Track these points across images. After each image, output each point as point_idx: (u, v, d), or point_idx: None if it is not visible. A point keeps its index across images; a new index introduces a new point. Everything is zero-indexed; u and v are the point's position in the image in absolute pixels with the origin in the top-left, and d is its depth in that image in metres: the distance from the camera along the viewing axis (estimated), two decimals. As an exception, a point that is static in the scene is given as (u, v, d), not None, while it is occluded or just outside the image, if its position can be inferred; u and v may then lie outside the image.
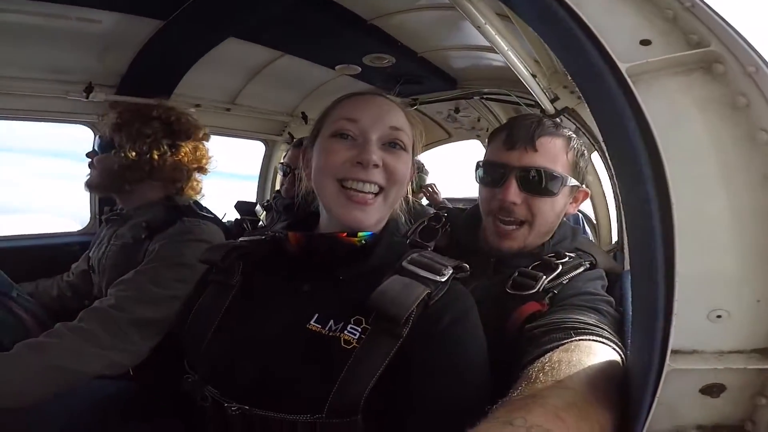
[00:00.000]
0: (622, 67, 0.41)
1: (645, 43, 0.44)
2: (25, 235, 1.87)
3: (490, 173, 1.00)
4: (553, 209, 0.97)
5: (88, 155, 1.34)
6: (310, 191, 0.84)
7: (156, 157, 1.30)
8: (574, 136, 1.01)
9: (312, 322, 0.70)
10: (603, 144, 1.41)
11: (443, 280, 0.72)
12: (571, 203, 1.02)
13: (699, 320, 0.42)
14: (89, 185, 1.35)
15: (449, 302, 0.71)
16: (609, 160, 1.25)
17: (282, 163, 2.25)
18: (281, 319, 0.73)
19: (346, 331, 0.68)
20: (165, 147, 1.32)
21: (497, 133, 1.03)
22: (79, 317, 1.08)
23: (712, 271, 0.41)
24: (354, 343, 0.66)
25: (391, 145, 0.77)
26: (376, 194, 0.76)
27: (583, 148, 1.01)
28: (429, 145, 3.43)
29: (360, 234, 0.75)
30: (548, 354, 0.65)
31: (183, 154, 1.37)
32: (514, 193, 0.94)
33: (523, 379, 0.59)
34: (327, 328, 0.69)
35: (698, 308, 0.42)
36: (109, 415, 1.06)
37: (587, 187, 1.05)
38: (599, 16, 0.44)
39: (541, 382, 0.55)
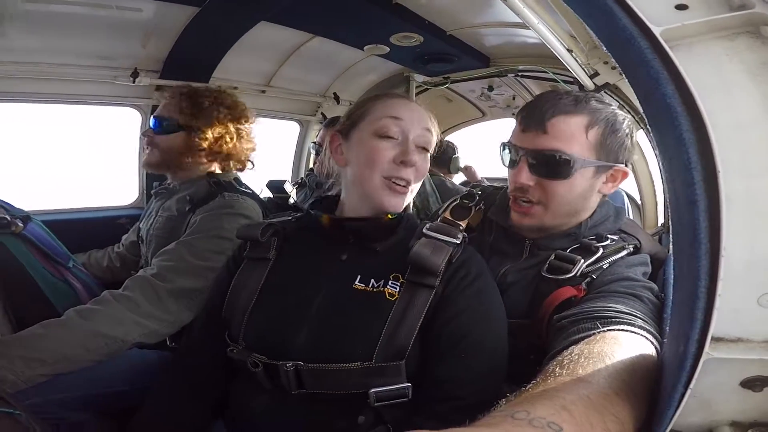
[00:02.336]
0: (656, 30, 0.39)
1: (681, 7, 0.41)
2: (78, 208, 2.00)
3: (508, 154, 0.98)
4: (570, 191, 0.91)
5: (145, 134, 1.41)
6: (332, 174, 0.95)
7: (228, 140, 1.42)
8: (603, 110, 0.92)
9: (356, 282, 0.82)
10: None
11: (458, 242, 0.85)
12: (605, 183, 0.95)
13: (748, 305, 0.39)
14: (150, 163, 1.42)
15: (468, 259, 0.84)
16: (649, 132, 1.15)
17: (314, 143, 2.28)
18: (325, 284, 0.83)
19: (389, 286, 0.80)
20: (233, 130, 1.44)
21: (520, 112, 0.99)
22: (124, 285, 1.15)
23: (765, 251, 0.37)
24: (397, 296, 0.79)
25: (423, 147, 0.89)
26: (406, 186, 0.88)
27: (619, 122, 0.93)
28: (462, 124, 3.35)
29: (389, 215, 0.89)
30: (571, 347, 0.64)
31: (244, 135, 1.48)
32: (525, 176, 0.92)
33: (541, 374, 0.58)
34: (370, 286, 0.81)
35: (748, 292, 0.38)
36: (146, 382, 1.11)
37: (628, 164, 0.96)
38: (627, -19, 0.41)
39: (555, 376, 0.54)
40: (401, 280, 0.80)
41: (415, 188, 0.90)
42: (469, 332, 0.76)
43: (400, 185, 0.86)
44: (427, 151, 0.90)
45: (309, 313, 0.80)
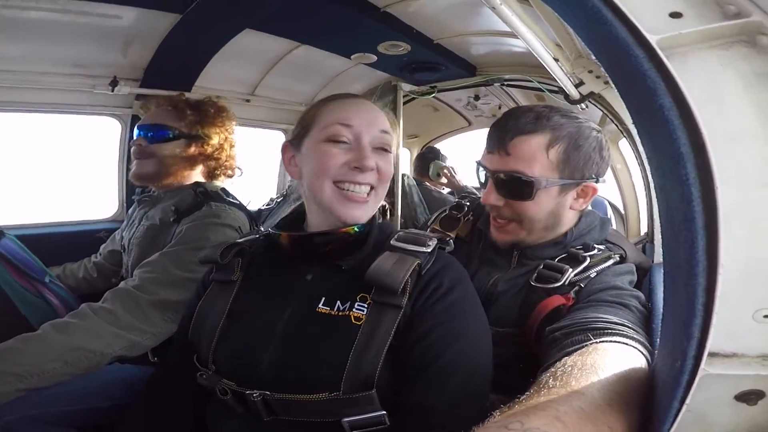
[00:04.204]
0: (652, 39, 0.38)
1: (675, 15, 0.40)
2: (55, 222, 1.94)
3: (481, 174, 0.99)
4: (540, 209, 0.92)
5: (136, 144, 1.36)
6: (294, 189, 0.88)
7: (228, 148, 1.46)
8: (566, 126, 0.91)
9: (320, 306, 0.75)
10: (632, 127, 1.33)
11: (429, 250, 0.77)
12: (575, 199, 0.95)
13: (743, 320, 0.38)
14: (140, 175, 1.38)
15: (442, 269, 0.76)
16: (640, 144, 1.16)
17: None
18: (290, 308, 0.77)
19: (354, 309, 0.73)
20: (231, 139, 1.48)
21: (489, 131, 0.99)
22: (103, 298, 1.11)
23: (762, 266, 0.37)
24: (364, 319, 0.72)
25: (381, 148, 0.82)
26: (369, 193, 0.82)
27: (583, 137, 0.92)
28: (448, 134, 3.37)
29: (354, 228, 0.81)
30: (564, 358, 0.64)
31: (234, 144, 1.51)
32: (494, 197, 0.93)
33: (534, 385, 0.57)
34: (335, 309, 0.74)
35: (743, 307, 0.38)
36: (126, 398, 1.10)
37: (600, 179, 0.96)
38: (620, -11, 0.40)
39: (549, 387, 0.53)
40: (368, 300, 0.73)
41: (381, 193, 0.84)
42: (442, 352, 0.69)
43: (356, 193, 0.79)
44: (387, 151, 0.84)
45: (272, 338, 0.75)
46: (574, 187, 0.94)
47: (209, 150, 1.40)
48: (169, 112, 1.39)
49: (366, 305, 0.73)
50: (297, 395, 0.69)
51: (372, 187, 0.81)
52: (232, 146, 1.49)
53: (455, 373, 0.68)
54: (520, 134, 0.90)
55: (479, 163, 0.98)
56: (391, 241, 0.79)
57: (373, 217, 0.85)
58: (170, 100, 1.43)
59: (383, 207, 0.91)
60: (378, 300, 0.72)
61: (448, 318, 0.72)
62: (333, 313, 0.74)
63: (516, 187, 0.90)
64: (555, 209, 0.94)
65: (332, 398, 0.67)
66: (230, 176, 1.51)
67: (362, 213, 0.81)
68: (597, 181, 0.95)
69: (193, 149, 1.39)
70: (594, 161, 0.93)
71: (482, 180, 0.99)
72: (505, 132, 0.90)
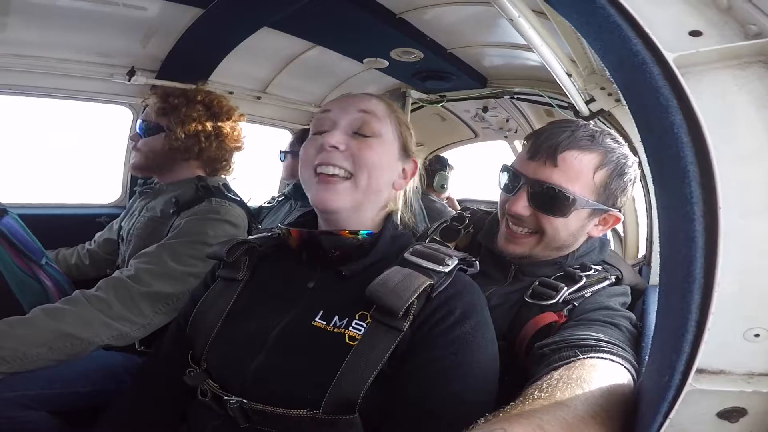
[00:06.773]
0: (669, 56, 0.38)
1: (695, 34, 0.40)
2: (57, 204, 1.97)
3: (508, 179, 0.95)
4: (566, 228, 0.91)
5: (132, 138, 1.40)
6: None
7: (203, 138, 1.38)
8: (616, 151, 0.90)
9: (317, 319, 0.72)
10: (639, 146, 1.34)
11: (447, 270, 0.70)
12: (596, 225, 0.95)
13: (733, 338, 0.39)
14: (136, 167, 1.40)
15: (457, 294, 0.70)
16: (646, 164, 1.17)
17: (282, 151, 2.29)
18: (287, 316, 0.74)
19: (351, 327, 0.69)
20: (210, 128, 1.40)
21: (530, 136, 0.97)
22: (97, 285, 1.12)
23: (756, 287, 0.37)
24: (359, 339, 0.67)
25: (360, 133, 0.78)
26: (346, 178, 0.77)
27: (627, 166, 0.92)
28: (453, 144, 3.38)
29: (360, 232, 0.78)
30: (551, 372, 0.64)
31: (225, 134, 1.44)
32: (522, 205, 0.90)
33: (520, 397, 0.57)
34: (332, 324, 0.70)
35: (735, 325, 0.38)
36: (107, 383, 1.10)
37: (622, 210, 0.95)
38: (642, 4, 0.41)
39: (534, 399, 0.54)
40: (368, 319, 0.68)
41: (364, 183, 0.76)
42: (435, 391, 0.63)
43: (326, 174, 0.75)
44: (367, 135, 0.78)
45: (263, 346, 0.72)
46: (602, 214, 0.93)
47: (176, 143, 1.33)
48: (151, 105, 1.40)
49: (364, 324, 0.68)
50: (276, 408, 0.66)
51: (350, 174, 0.76)
52: (219, 137, 1.42)
53: (443, 418, 0.62)
54: (575, 148, 0.87)
55: (513, 168, 0.94)
56: (405, 254, 0.74)
57: (385, 225, 0.82)
58: (159, 92, 1.43)
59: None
60: (378, 319, 0.67)
61: (452, 352, 0.65)
62: (329, 328, 0.70)
63: (554, 201, 0.87)
64: (576, 231, 0.93)
65: (311, 416, 0.64)
66: (224, 170, 1.48)
67: (332, 196, 0.75)
68: (620, 211, 0.95)
69: (166, 142, 1.35)
70: (627, 192, 0.94)
71: (507, 185, 0.95)
72: (557, 142, 0.87)
